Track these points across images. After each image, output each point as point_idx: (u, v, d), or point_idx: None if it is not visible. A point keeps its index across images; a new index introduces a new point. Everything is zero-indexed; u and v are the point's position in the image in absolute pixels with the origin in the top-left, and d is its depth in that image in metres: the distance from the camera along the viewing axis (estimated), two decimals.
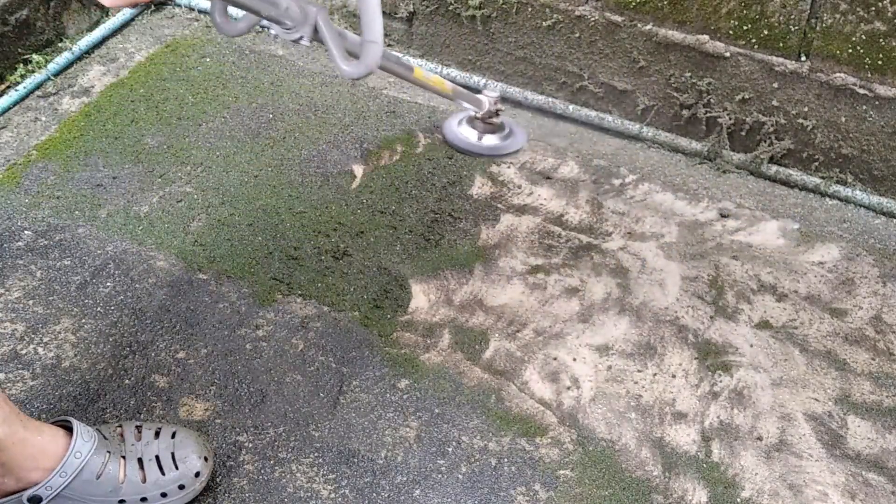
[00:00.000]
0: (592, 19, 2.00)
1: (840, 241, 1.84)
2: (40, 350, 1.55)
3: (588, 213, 1.88)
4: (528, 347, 1.60)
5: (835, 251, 1.82)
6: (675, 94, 2.02)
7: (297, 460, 1.41)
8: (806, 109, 1.89)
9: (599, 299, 1.70)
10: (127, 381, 1.51)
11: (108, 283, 1.67)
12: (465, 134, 1.81)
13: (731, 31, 1.87)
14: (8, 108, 2.07)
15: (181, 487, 1.29)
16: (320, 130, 2.06)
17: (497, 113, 1.76)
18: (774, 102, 1.92)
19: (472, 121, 1.72)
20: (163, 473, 1.28)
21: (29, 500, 1.19)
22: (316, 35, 1.18)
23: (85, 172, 1.91)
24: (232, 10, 1.23)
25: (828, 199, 1.97)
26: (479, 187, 1.93)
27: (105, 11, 2.38)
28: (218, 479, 1.38)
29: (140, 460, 1.28)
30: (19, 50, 2.15)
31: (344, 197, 1.89)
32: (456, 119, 1.77)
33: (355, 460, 1.42)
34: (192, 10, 2.43)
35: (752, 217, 1.90)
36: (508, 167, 1.98)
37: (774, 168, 2.00)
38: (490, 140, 1.78)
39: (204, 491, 1.35)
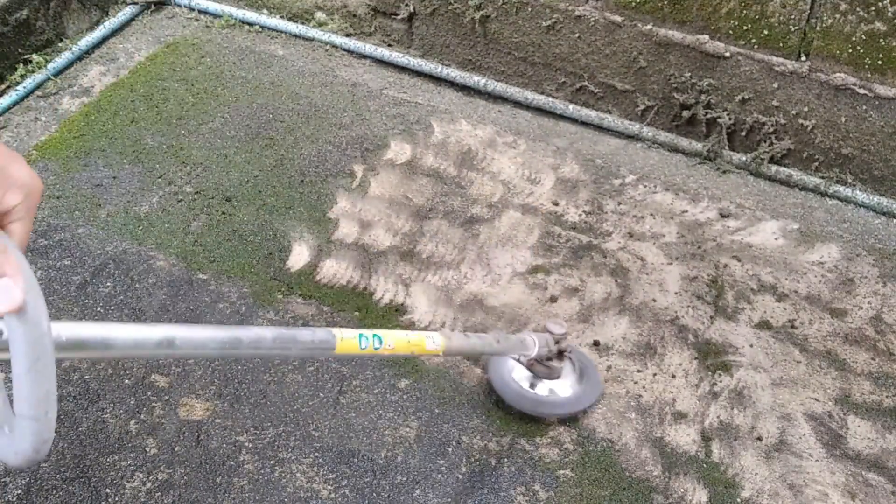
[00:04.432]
0: (592, 19, 2.00)
1: (840, 241, 1.84)
2: None
3: (588, 213, 1.88)
4: None
5: (835, 251, 1.82)
6: (675, 94, 2.02)
7: (297, 460, 1.41)
8: (806, 109, 1.89)
9: (599, 299, 1.70)
10: (127, 381, 1.51)
11: (108, 283, 1.67)
12: (511, 374, 1.41)
13: (731, 31, 1.87)
14: (8, 108, 2.07)
15: None
16: (320, 130, 2.06)
17: (561, 354, 1.37)
18: (774, 102, 1.92)
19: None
20: None
21: None
22: None
23: (85, 172, 1.91)
24: None
25: (828, 199, 1.97)
26: (479, 187, 1.93)
27: (105, 11, 2.38)
28: (218, 479, 1.38)
29: None
30: (19, 50, 2.15)
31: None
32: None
33: (355, 460, 1.42)
34: (192, 10, 2.43)
35: (752, 217, 1.90)
36: (508, 167, 1.98)
37: (774, 168, 2.00)
38: (544, 390, 1.41)
39: (204, 490, 1.35)
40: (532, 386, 1.43)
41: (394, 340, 1.08)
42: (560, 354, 1.37)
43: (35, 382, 0.63)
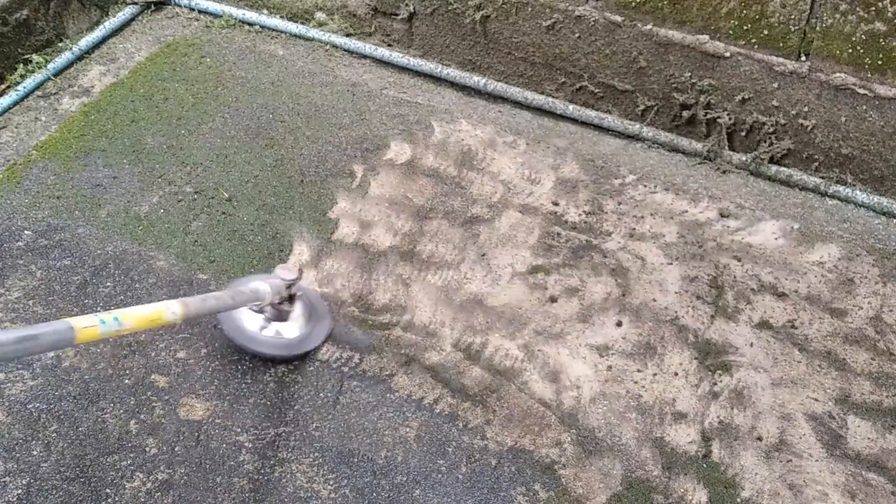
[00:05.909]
0: (592, 19, 2.00)
1: (840, 241, 1.84)
2: None
3: (588, 213, 1.88)
4: (528, 347, 1.60)
5: (835, 251, 1.82)
6: (675, 94, 2.02)
7: (297, 460, 1.41)
8: (806, 109, 1.89)
9: (599, 299, 1.70)
10: (127, 381, 1.51)
11: (108, 283, 1.67)
12: (242, 320, 1.50)
13: (731, 31, 1.87)
14: (8, 108, 2.07)
15: None
16: (320, 130, 2.06)
17: (291, 298, 1.47)
18: (774, 102, 1.92)
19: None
20: None
21: None
22: None
23: (85, 172, 1.91)
24: None
25: (828, 199, 1.97)
26: (479, 187, 1.93)
27: (105, 11, 2.38)
28: (218, 479, 1.38)
29: None
30: (19, 50, 2.15)
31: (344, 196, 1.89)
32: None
33: (355, 460, 1.42)
34: (192, 10, 2.43)
35: (752, 217, 1.90)
36: (508, 167, 1.98)
37: (774, 168, 2.00)
38: (273, 331, 1.50)
39: (204, 491, 1.35)
40: (262, 329, 1.50)
41: (132, 319, 1.11)
42: (291, 298, 1.45)
43: None
